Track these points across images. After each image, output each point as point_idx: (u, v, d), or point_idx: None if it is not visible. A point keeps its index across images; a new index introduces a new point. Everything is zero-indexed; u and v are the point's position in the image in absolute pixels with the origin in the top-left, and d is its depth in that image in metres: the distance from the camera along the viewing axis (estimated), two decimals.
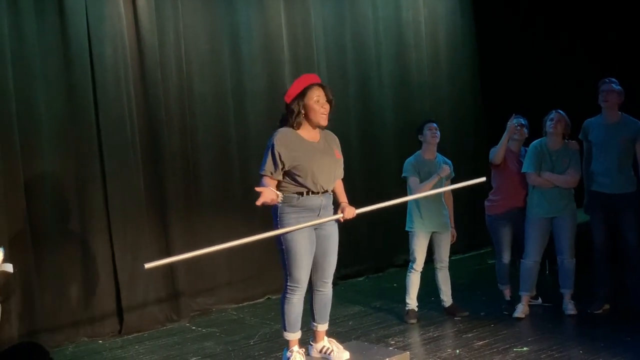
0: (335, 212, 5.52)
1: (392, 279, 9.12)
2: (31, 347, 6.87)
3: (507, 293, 7.49)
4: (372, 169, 9.54)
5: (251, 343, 6.94)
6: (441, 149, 7.39)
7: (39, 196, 7.11)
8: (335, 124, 8.97)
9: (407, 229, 7.27)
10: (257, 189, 5.23)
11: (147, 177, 7.70)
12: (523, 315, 7.14)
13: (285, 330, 5.61)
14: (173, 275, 7.80)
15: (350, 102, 9.37)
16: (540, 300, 7.53)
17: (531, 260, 7.11)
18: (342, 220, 5.53)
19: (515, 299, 7.31)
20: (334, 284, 8.76)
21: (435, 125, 7.24)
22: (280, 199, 5.31)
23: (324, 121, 5.42)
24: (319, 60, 9.06)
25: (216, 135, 8.25)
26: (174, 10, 7.88)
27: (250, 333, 7.23)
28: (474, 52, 10.64)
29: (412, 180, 7.13)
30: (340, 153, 5.61)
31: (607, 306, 7.18)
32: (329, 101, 5.44)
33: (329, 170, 5.46)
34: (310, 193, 5.40)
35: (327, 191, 5.50)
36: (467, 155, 10.02)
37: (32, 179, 7.07)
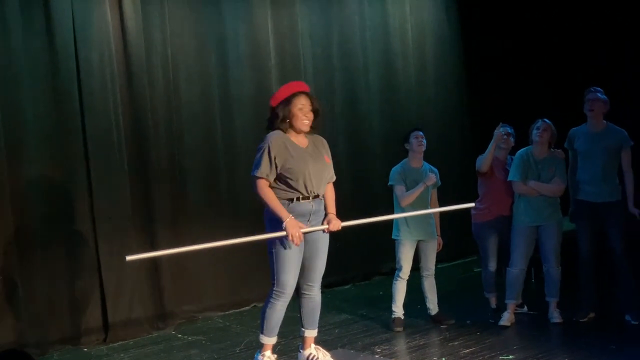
0: (323, 221, 5.56)
1: (379, 286, 9.10)
2: (16, 355, 6.82)
3: (493, 301, 7.50)
4: (359, 176, 9.53)
5: (237, 351, 6.92)
6: (428, 157, 7.39)
7: (24, 203, 7.08)
8: (321, 132, 9.06)
9: (393, 237, 7.28)
10: (285, 232, 5.32)
11: (133, 183, 7.67)
12: (509, 324, 7.15)
13: (262, 334, 5.66)
14: (159, 283, 7.78)
15: (337, 109, 9.37)
16: (526, 308, 7.54)
17: (517, 269, 7.12)
18: (326, 231, 5.56)
19: (501, 307, 7.32)
20: (320, 291, 8.85)
21: (421, 133, 7.25)
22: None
23: (305, 128, 5.51)
24: (305, 67, 9.06)
25: (203, 141, 8.24)
26: (160, 16, 7.87)
27: (236, 341, 7.20)
28: (460, 60, 10.65)
29: (399, 189, 7.14)
30: (330, 157, 5.66)
31: (592, 314, 7.20)
32: (313, 110, 5.48)
33: (320, 175, 5.51)
34: (301, 199, 5.44)
35: (317, 196, 5.53)
36: (453, 164, 10.03)
37: (18, 186, 7.03)
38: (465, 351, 6.49)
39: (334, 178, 5.74)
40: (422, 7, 10.23)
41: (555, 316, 7.15)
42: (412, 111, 10.04)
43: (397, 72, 9.96)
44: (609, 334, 6.75)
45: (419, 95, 10.20)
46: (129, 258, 5.12)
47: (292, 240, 5.33)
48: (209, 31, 8.28)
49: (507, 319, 7.17)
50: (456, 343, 6.74)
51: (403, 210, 7.06)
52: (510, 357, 6.27)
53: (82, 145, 7.39)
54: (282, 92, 5.52)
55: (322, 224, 5.60)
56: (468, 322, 7.35)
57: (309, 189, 5.45)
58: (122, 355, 7.07)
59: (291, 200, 5.45)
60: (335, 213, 5.67)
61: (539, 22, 9.96)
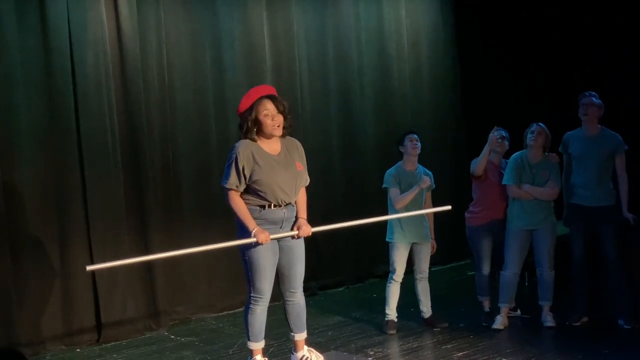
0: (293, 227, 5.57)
1: (372, 289, 9.11)
2: (9, 356, 6.82)
3: (487, 304, 7.50)
4: (353, 179, 9.53)
5: (230, 352, 6.92)
6: (422, 160, 7.40)
7: (18, 205, 7.06)
8: (316, 134, 9.13)
9: (387, 239, 7.28)
10: (253, 238, 5.33)
11: (127, 186, 7.66)
12: (502, 327, 7.16)
13: (249, 340, 5.66)
14: (152, 284, 7.77)
15: (331, 112, 9.37)
16: (519, 312, 7.54)
17: (510, 272, 7.13)
18: (296, 237, 5.56)
19: (495, 311, 7.32)
20: (314, 294, 8.89)
21: (416, 136, 7.25)
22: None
23: (277, 132, 5.46)
24: (300, 70, 9.07)
25: (197, 143, 8.23)
26: (156, 18, 7.87)
27: (229, 342, 7.20)
28: (455, 64, 10.66)
29: (393, 192, 7.14)
30: (303, 162, 5.65)
31: (585, 318, 7.21)
32: (281, 112, 5.43)
33: (291, 183, 5.49)
34: (272, 206, 5.43)
35: (290, 203, 5.53)
36: (447, 167, 10.05)
37: (12, 188, 7.02)
38: (459, 354, 6.49)
39: (308, 182, 5.70)
40: (418, 10, 10.24)
41: (549, 320, 7.16)
42: (406, 114, 10.04)
43: (392, 75, 9.96)
44: (601, 338, 6.77)
45: (414, 99, 10.20)
46: (89, 268, 5.20)
47: (262, 243, 5.35)
48: (204, 33, 8.27)
49: (500, 322, 7.17)
50: (449, 346, 6.75)
51: (397, 213, 7.05)
52: None
53: (76, 146, 7.38)
54: (244, 102, 5.45)
55: (292, 229, 5.60)
56: (461, 325, 7.35)
57: (279, 199, 5.45)
58: (114, 356, 7.06)
59: (263, 207, 5.45)
60: (306, 218, 5.65)
61: (534, 25, 9.98)
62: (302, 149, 5.69)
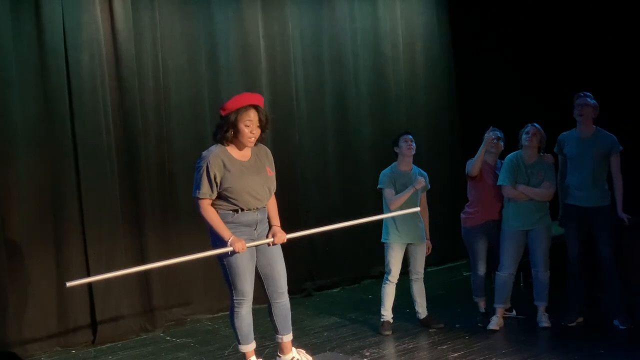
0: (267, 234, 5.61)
1: (368, 290, 9.12)
2: (4, 357, 6.81)
3: (482, 305, 7.50)
4: (349, 179, 9.53)
5: (225, 354, 6.92)
6: (417, 160, 7.41)
7: (12, 205, 7.06)
8: (311, 134, 9.13)
9: (382, 240, 7.28)
10: (229, 247, 5.35)
11: (122, 186, 7.66)
12: (497, 328, 7.16)
13: (239, 344, 5.67)
14: (148, 285, 7.76)
15: (326, 112, 9.38)
16: (514, 312, 7.55)
17: (506, 273, 7.13)
18: (271, 244, 5.57)
19: (490, 311, 7.32)
20: (310, 294, 8.88)
21: (411, 137, 7.25)
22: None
23: (250, 144, 5.47)
24: (296, 71, 9.07)
25: (192, 144, 8.20)
26: (151, 19, 7.86)
27: (224, 343, 7.19)
28: (450, 64, 10.67)
29: (388, 192, 7.14)
30: (273, 169, 5.65)
31: (580, 319, 7.21)
32: (261, 126, 5.42)
33: (262, 189, 5.51)
34: (245, 210, 5.44)
35: (262, 207, 5.55)
36: (443, 168, 10.06)
37: (6, 188, 7.02)
38: (454, 355, 6.49)
39: (274, 189, 5.69)
40: (413, 11, 10.24)
41: (544, 320, 7.16)
42: (401, 115, 10.04)
43: (387, 76, 9.96)
44: (597, 338, 6.77)
45: (409, 99, 10.20)
46: (68, 284, 5.22)
47: (238, 252, 5.37)
48: (199, 34, 8.27)
49: (495, 323, 7.18)
50: (445, 347, 6.75)
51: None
52: None
53: (72, 147, 7.38)
54: (232, 104, 5.41)
55: (267, 237, 5.61)
56: (457, 326, 7.36)
57: (250, 205, 5.46)
58: (110, 357, 7.06)
59: (235, 211, 5.46)
60: (279, 225, 5.67)
61: (529, 25, 9.98)
62: (272, 156, 5.70)
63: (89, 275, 7.36)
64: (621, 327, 6.99)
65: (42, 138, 7.23)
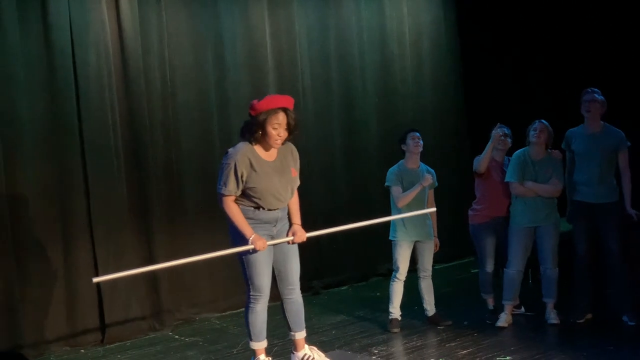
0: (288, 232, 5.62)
1: (376, 288, 9.11)
2: (13, 357, 6.83)
3: (490, 302, 7.49)
4: (356, 177, 9.53)
5: (234, 352, 6.92)
6: (424, 158, 7.39)
7: (21, 205, 7.07)
8: (318, 132, 9.13)
9: (390, 238, 7.27)
10: (250, 245, 5.35)
11: (130, 186, 7.67)
12: (506, 325, 7.15)
13: (251, 340, 5.67)
14: (156, 284, 7.77)
15: (333, 110, 9.38)
16: (523, 309, 7.54)
17: (514, 270, 7.12)
18: (291, 243, 5.57)
19: (498, 308, 7.31)
20: (317, 292, 8.89)
21: (418, 134, 7.24)
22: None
23: (276, 146, 5.47)
24: (302, 69, 9.07)
25: (199, 143, 8.23)
26: (157, 18, 7.87)
27: (233, 342, 7.20)
28: (457, 62, 10.65)
29: (395, 190, 7.14)
30: (297, 168, 5.65)
31: (589, 315, 7.20)
32: (288, 129, 5.41)
33: (285, 190, 5.52)
34: (266, 208, 5.45)
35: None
36: (450, 165, 10.04)
37: (14, 188, 7.03)
38: (463, 352, 6.49)
39: (297, 186, 5.69)
40: (420, 8, 10.23)
41: (553, 317, 7.15)
42: (408, 112, 10.03)
43: (394, 74, 9.95)
44: (606, 335, 6.75)
45: (416, 97, 10.19)
46: (95, 280, 5.21)
47: (259, 250, 5.39)
48: (206, 33, 8.27)
49: (504, 320, 7.17)
50: (453, 344, 6.74)
51: (400, 211, 7.05)
52: (508, 358, 6.27)
53: (79, 146, 7.40)
54: (263, 105, 5.37)
55: (287, 235, 5.61)
56: (465, 323, 7.35)
57: (273, 206, 5.47)
58: (119, 356, 7.07)
59: (257, 207, 5.46)
60: (300, 223, 5.65)
61: (536, 22, 9.97)
62: (297, 153, 5.69)
63: (97, 273, 7.38)
64: (630, 323, 6.97)
65: (49, 137, 7.25)
